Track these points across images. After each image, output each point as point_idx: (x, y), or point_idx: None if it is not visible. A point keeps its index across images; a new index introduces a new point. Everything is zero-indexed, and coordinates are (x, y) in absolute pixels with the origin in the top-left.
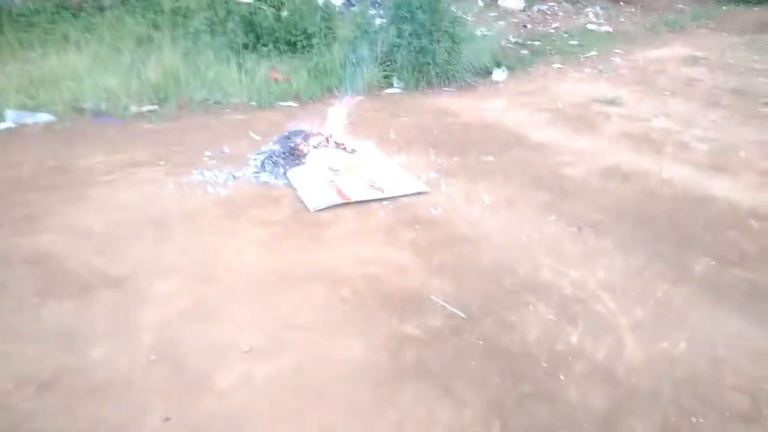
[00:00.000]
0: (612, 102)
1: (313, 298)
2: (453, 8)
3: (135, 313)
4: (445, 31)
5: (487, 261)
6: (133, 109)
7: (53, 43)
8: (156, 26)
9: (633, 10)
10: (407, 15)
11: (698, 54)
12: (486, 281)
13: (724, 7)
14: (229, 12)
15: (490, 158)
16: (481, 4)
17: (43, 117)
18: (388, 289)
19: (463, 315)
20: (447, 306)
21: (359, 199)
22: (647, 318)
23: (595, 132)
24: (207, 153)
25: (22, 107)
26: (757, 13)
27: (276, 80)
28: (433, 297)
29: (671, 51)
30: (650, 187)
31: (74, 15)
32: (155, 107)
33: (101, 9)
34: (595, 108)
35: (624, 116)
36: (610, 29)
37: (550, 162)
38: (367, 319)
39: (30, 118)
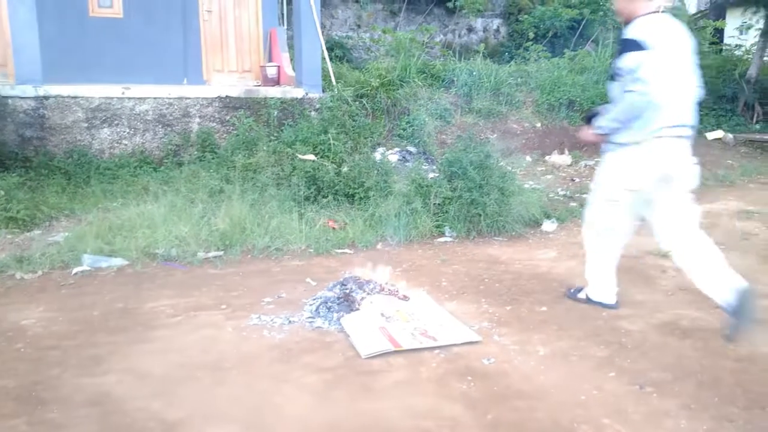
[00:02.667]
0: (666, 255)
1: None
2: (502, 163)
3: None
4: (495, 185)
5: (544, 419)
6: (201, 255)
7: (134, 194)
8: (228, 180)
9: None
10: (459, 171)
11: (751, 208)
12: None
13: None
14: (294, 168)
15: (544, 308)
16: (529, 159)
17: (117, 261)
18: None
19: None
20: None
21: (411, 347)
22: None
23: (650, 285)
24: (266, 298)
25: (99, 252)
26: None
27: (333, 228)
28: None
29: (723, 205)
30: (712, 345)
31: (155, 169)
32: (221, 253)
33: (180, 164)
34: (648, 261)
35: (679, 270)
36: None
37: (606, 315)
38: None
39: (105, 263)
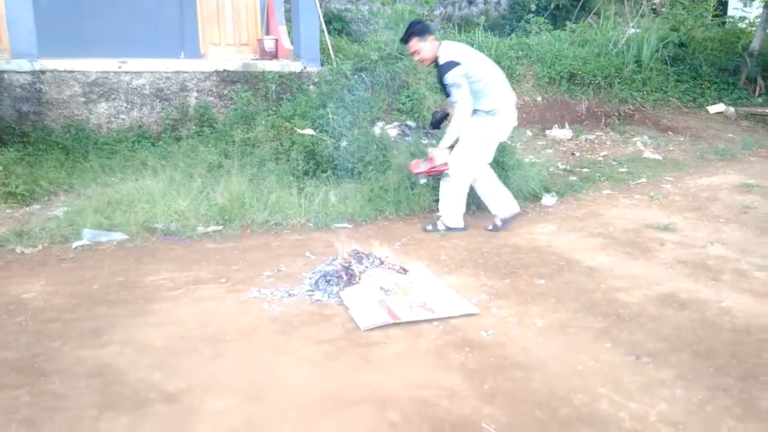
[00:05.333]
0: (665, 228)
1: (361, 422)
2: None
3: (187, 431)
4: (495, 159)
5: (541, 389)
6: (200, 229)
7: (132, 168)
8: (226, 155)
9: (682, 138)
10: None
11: (751, 181)
12: (540, 411)
13: None
14: (293, 142)
15: (542, 281)
16: (529, 133)
17: (117, 236)
18: (438, 414)
19: None
20: None
21: (409, 320)
22: None
23: (649, 258)
24: (265, 272)
25: (99, 226)
26: None
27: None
28: (484, 425)
29: (723, 178)
30: (709, 316)
31: (153, 144)
32: (220, 228)
33: (178, 139)
34: (647, 234)
35: (678, 243)
36: (660, 157)
37: (604, 287)
38: None
39: (105, 237)
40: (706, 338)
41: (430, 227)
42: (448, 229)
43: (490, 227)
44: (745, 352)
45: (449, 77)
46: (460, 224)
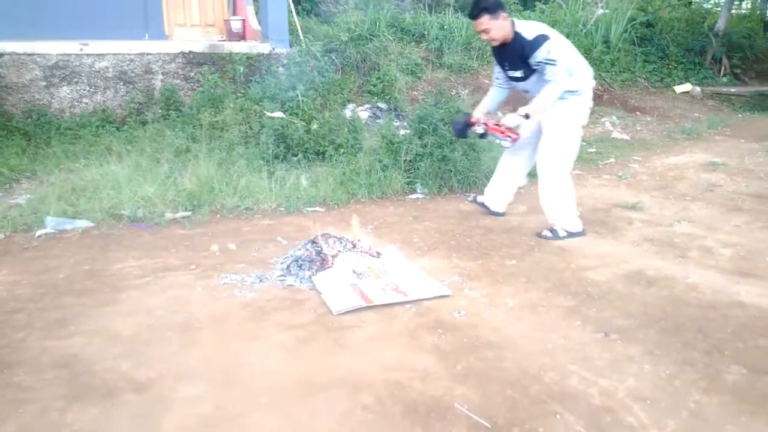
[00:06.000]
0: (633, 207)
1: (334, 405)
2: None
3: (157, 419)
4: (467, 141)
5: (512, 368)
6: (168, 215)
7: (97, 154)
8: (194, 139)
9: (649, 118)
10: (430, 128)
11: (717, 160)
12: (511, 389)
13: (740, 115)
14: (262, 126)
15: (513, 262)
16: (500, 114)
17: (82, 223)
18: (411, 396)
19: (487, 425)
20: (471, 415)
21: (382, 303)
22: (681, 430)
23: (617, 237)
24: (236, 258)
25: (63, 214)
26: None
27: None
28: (457, 405)
29: (689, 157)
30: (676, 293)
31: (118, 128)
32: (189, 213)
33: (143, 123)
34: (616, 213)
35: (646, 221)
36: (627, 137)
37: (573, 266)
38: (390, 427)
39: (69, 225)
40: (673, 314)
41: (549, 234)
42: (570, 234)
43: (470, 198)
44: (710, 327)
45: (542, 53)
46: (579, 226)
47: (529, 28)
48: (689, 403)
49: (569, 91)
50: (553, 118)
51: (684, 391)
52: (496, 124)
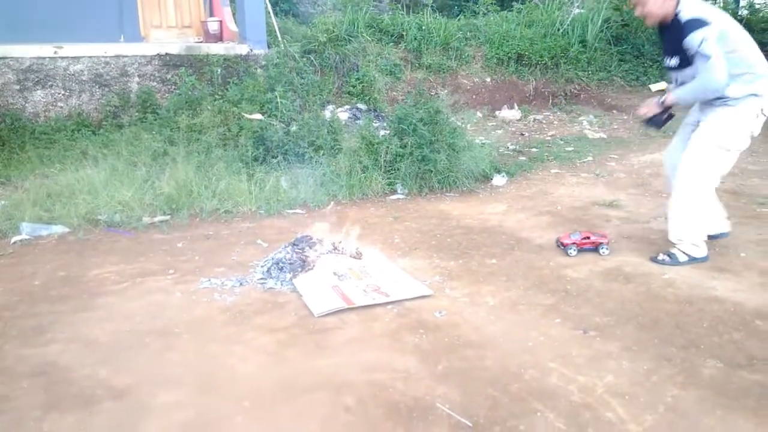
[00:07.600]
0: (610, 205)
1: (316, 408)
2: (452, 119)
3: (137, 427)
4: (445, 141)
5: (493, 366)
6: (146, 219)
7: (72, 158)
8: (171, 142)
9: (625, 117)
10: (409, 128)
11: None
12: (492, 387)
13: None
14: (241, 128)
15: (493, 261)
16: (479, 114)
17: (58, 229)
18: (393, 397)
19: (469, 423)
20: (453, 414)
21: (363, 304)
22: (658, 425)
23: None
24: (216, 261)
25: (38, 220)
26: None
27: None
28: (438, 405)
29: None
30: (653, 288)
31: (94, 132)
32: (167, 218)
33: (120, 126)
34: (594, 211)
35: (623, 218)
36: (604, 135)
37: (552, 264)
38: (372, 429)
39: (45, 231)
40: (650, 310)
41: (665, 258)
42: (692, 259)
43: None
44: (687, 322)
45: (694, 40)
46: (704, 252)
47: (689, 7)
48: (667, 398)
49: (735, 98)
50: (710, 123)
51: (661, 386)
52: (663, 102)
